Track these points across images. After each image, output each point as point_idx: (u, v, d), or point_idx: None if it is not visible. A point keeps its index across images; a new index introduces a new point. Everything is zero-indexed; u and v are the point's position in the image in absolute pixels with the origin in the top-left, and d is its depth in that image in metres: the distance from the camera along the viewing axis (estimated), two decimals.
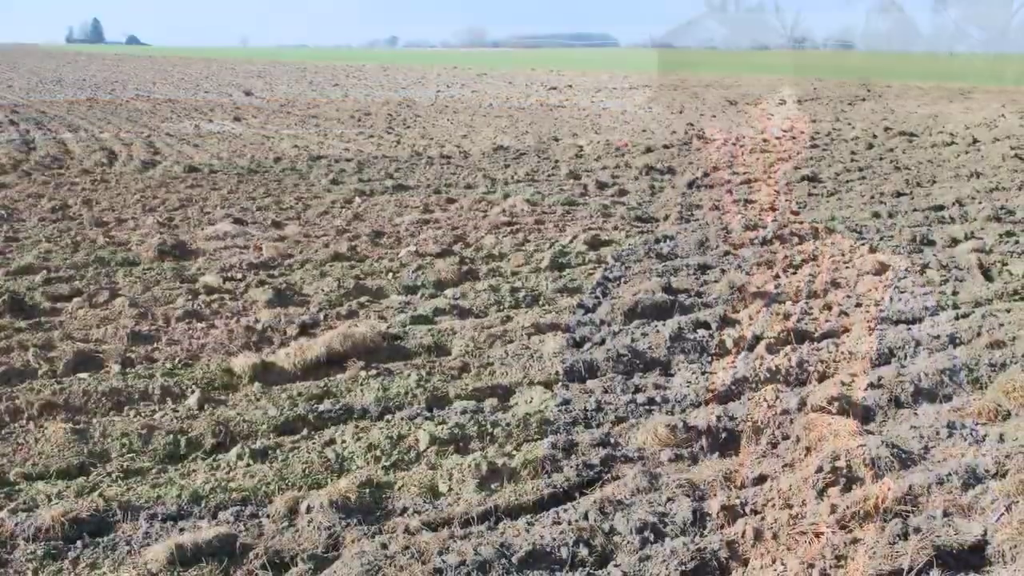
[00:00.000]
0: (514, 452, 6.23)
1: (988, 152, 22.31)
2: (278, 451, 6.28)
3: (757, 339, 8.45)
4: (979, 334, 8.60)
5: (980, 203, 15.27)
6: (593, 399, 7.09)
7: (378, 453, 6.24)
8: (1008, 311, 9.37)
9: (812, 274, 10.73)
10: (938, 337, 8.53)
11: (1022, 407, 6.91)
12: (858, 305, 9.61)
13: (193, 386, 7.35)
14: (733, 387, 7.42)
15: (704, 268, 11.15)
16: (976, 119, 31.59)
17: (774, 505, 5.54)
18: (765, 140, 24.74)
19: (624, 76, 64.81)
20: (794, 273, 10.88)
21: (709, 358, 8.17)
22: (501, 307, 9.63)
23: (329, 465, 6.09)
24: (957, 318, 9.18)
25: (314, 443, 6.40)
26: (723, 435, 6.53)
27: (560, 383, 7.54)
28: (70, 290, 10.00)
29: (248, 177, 18.31)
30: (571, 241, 12.28)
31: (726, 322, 8.95)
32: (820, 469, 5.82)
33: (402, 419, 6.79)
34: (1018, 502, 5.36)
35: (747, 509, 5.49)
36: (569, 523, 5.33)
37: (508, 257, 11.68)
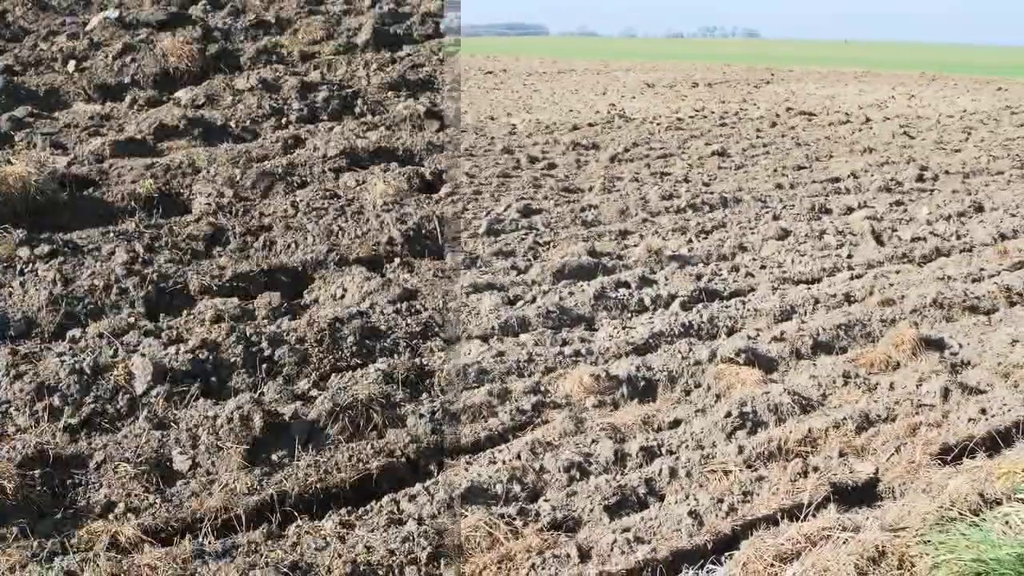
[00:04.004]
0: (454, 399, 6.19)
1: (879, 130, 22.53)
2: None
3: (672, 297, 8.47)
4: (871, 293, 8.70)
5: (872, 176, 15.40)
6: (525, 351, 7.06)
7: None
8: (897, 272, 9.49)
9: (721, 239, 10.77)
10: (835, 296, 8.61)
11: (910, 358, 7.00)
12: (763, 267, 9.68)
13: None
14: (651, 340, 7.43)
15: (625, 234, 11.13)
16: (869, 100, 31.92)
17: (687, 447, 5.57)
18: (679, 119, 24.79)
19: (553, 61, 64.57)
20: (705, 238, 10.92)
21: (629, 314, 8.18)
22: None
23: None
24: (852, 279, 9.27)
25: None
26: (642, 384, 6.54)
27: (495, 337, 7.50)
28: None
29: None
30: (505, 210, 12.20)
31: (644, 282, 8.96)
32: (729, 414, 5.86)
33: None
34: (906, 444, 5.43)
35: (663, 450, 5.51)
36: (504, 462, 5.32)
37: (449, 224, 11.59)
